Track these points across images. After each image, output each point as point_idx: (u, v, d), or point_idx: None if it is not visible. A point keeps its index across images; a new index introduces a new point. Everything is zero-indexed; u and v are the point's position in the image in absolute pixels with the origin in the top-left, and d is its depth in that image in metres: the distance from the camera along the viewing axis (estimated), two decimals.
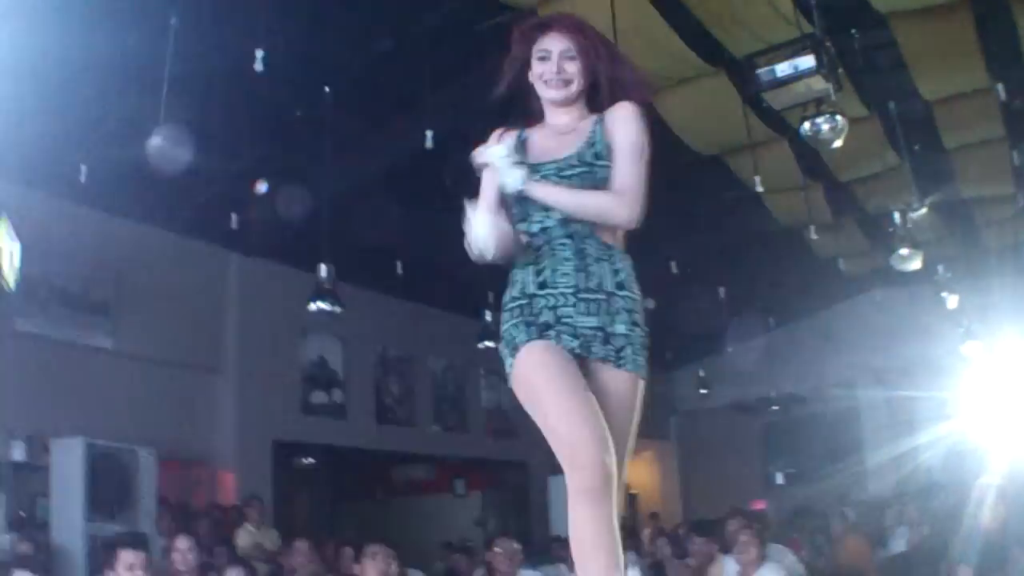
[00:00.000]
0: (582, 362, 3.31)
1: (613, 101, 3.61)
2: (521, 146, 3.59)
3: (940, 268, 14.86)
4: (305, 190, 10.12)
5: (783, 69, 7.34)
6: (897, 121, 10.80)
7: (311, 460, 15.35)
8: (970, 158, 11.67)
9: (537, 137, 3.65)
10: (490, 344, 12.33)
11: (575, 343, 3.34)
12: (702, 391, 17.37)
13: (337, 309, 10.31)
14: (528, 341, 3.36)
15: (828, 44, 7.44)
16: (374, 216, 10.79)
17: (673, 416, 20.03)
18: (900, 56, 9.43)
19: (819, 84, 7.41)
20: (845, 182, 12.13)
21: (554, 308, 3.39)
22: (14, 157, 9.08)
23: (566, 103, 3.62)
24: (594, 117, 3.61)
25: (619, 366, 3.40)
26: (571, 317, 3.38)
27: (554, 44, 3.59)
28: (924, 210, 12.17)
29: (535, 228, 3.51)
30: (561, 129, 3.61)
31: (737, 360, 17.04)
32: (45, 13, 7.28)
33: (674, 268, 12.65)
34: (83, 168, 9.38)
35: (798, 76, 7.34)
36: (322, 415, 13.87)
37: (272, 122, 9.31)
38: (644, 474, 18.72)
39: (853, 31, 9.16)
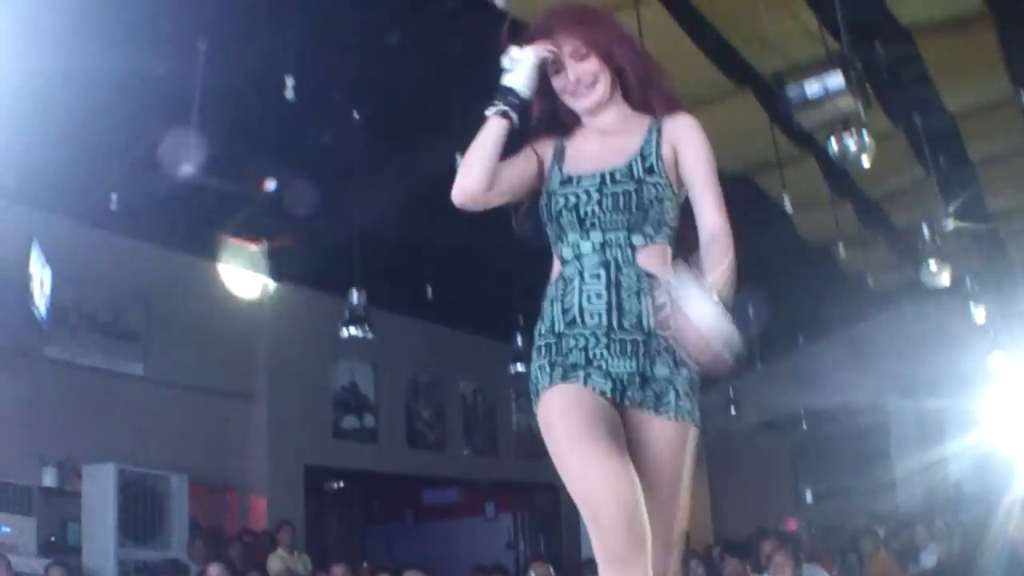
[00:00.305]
0: (620, 410, 3.00)
1: (645, 85, 3.29)
2: (560, 154, 3.28)
3: (968, 280, 14.79)
4: (335, 215, 10.14)
5: (812, 88, 7.28)
6: (923, 135, 10.76)
7: (342, 484, 15.36)
8: (996, 169, 11.62)
9: (577, 141, 3.31)
10: (520, 368, 12.32)
11: (607, 386, 3.00)
12: (731, 411, 17.28)
13: (369, 335, 10.33)
14: (550, 385, 3.03)
15: (857, 62, 7.42)
16: (404, 241, 10.80)
17: (702, 436, 19.93)
18: (924, 69, 9.40)
19: (848, 103, 7.37)
20: (873, 198, 12.10)
21: (584, 348, 3.05)
22: (45, 184, 9.19)
23: (601, 106, 3.27)
24: (646, 120, 3.27)
25: (660, 412, 3.05)
26: (603, 359, 3.04)
27: (564, 50, 3.22)
28: (951, 223, 12.11)
29: (569, 254, 3.16)
30: (605, 128, 3.28)
31: (766, 379, 16.96)
32: (75, 42, 7.35)
33: None
34: (113, 195, 9.47)
35: (827, 95, 7.30)
36: (353, 440, 13.89)
37: (302, 148, 9.33)
38: None
39: (877, 46, 9.14)
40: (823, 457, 19.24)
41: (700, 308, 2.73)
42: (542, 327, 3.16)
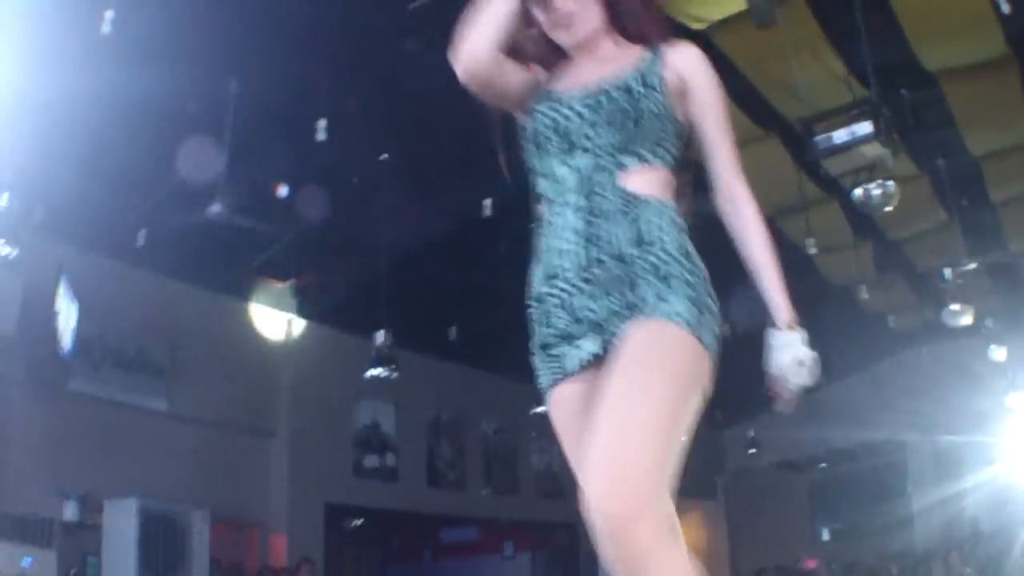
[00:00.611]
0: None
1: (640, 11, 2.97)
2: (550, 79, 2.95)
3: (988, 321, 14.77)
4: (359, 254, 10.17)
5: (841, 136, 7.30)
6: (946, 177, 10.78)
7: (362, 522, 15.35)
8: (1017, 211, 11.66)
9: (568, 68, 2.96)
10: (540, 410, 12.26)
11: (598, 345, 2.70)
12: (750, 450, 17.26)
13: (394, 375, 10.36)
14: (549, 389, 2.79)
15: (885, 110, 7.43)
16: (428, 281, 10.81)
17: (720, 475, 19.89)
18: (948, 113, 9.44)
19: (876, 150, 7.39)
20: (895, 240, 12.11)
21: (563, 304, 2.74)
22: (73, 219, 9.23)
23: (591, 38, 2.93)
24: (642, 48, 2.92)
25: (636, 316, 2.64)
26: (585, 308, 2.72)
27: None
28: (973, 265, 12.12)
29: (549, 188, 2.83)
30: (598, 57, 2.93)
31: (784, 418, 16.90)
32: (106, 81, 7.37)
33: (726, 329, 12.60)
34: (141, 231, 9.52)
35: (855, 142, 7.31)
36: (374, 478, 13.87)
37: (329, 188, 9.37)
38: (692, 534, 18.53)
39: (903, 90, 9.18)
40: (840, 495, 19.19)
41: (795, 370, 2.75)
42: (529, 295, 2.88)
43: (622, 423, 2.45)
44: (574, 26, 2.90)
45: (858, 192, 8.30)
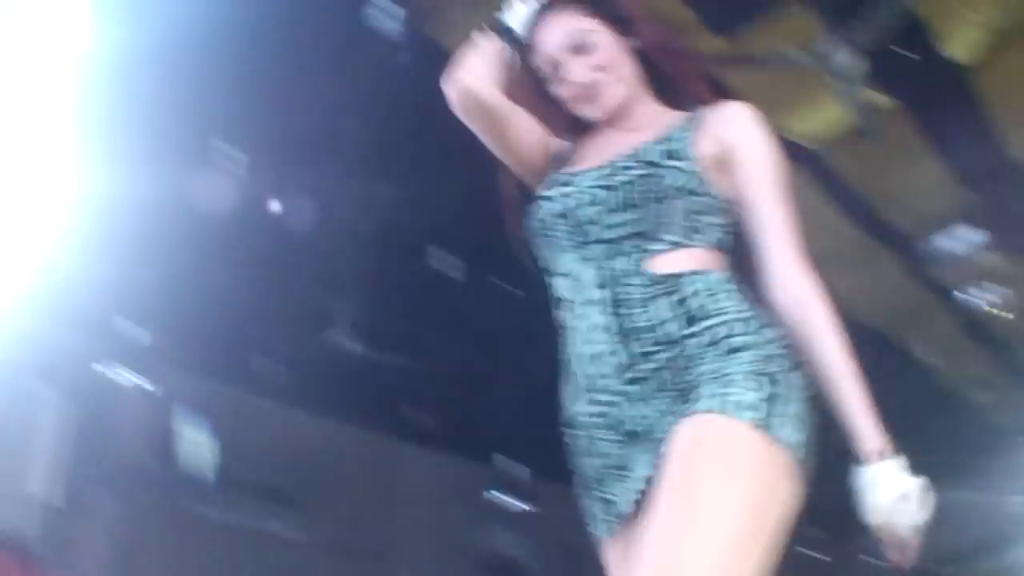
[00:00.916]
0: None
1: (680, 71, 2.58)
2: (565, 158, 2.59)
3: None
4: (486, 384, 10.34)
5: (951, 245, 7.27)
6: None
7: None
8: None
9: (592, 140, 2.58)
10: None
11: (648, 465, 2.20)
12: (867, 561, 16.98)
13: (521, 502, 10.29)
14: (601, 541, 2.48)
15: (995, 214, 7.43)
16: (552, 407, 10.85)
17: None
18: None
19: (988, 258, 7.37)
20: (1004, 341, 12.03)
21: (610, 422, 2.31)
22: (201, 348, 9.42)
23: (618, 111, 2.52)
24: (677, 115, 2.51)
25: (687, 414, 2.14)
26: (636, 416, 2.25)
27: (553, 43, 2.48)
28: None
29: (565, 289, 2.40)
30: (629, 127, 2.53)
31: None
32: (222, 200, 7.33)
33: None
34: (266, 363, 9.72)
35: (967, 250, 7.29)
36: None
37: (448, 317, 9.51)
38: None
39: (999, 187, 9.19)
40: None
41: (899, 508, 2.25)
42: (563, 419, 2.49)
43: (666, 569, 2.00)
44: (599, 98, 2.51)
45: (972, 299, 8.21)
